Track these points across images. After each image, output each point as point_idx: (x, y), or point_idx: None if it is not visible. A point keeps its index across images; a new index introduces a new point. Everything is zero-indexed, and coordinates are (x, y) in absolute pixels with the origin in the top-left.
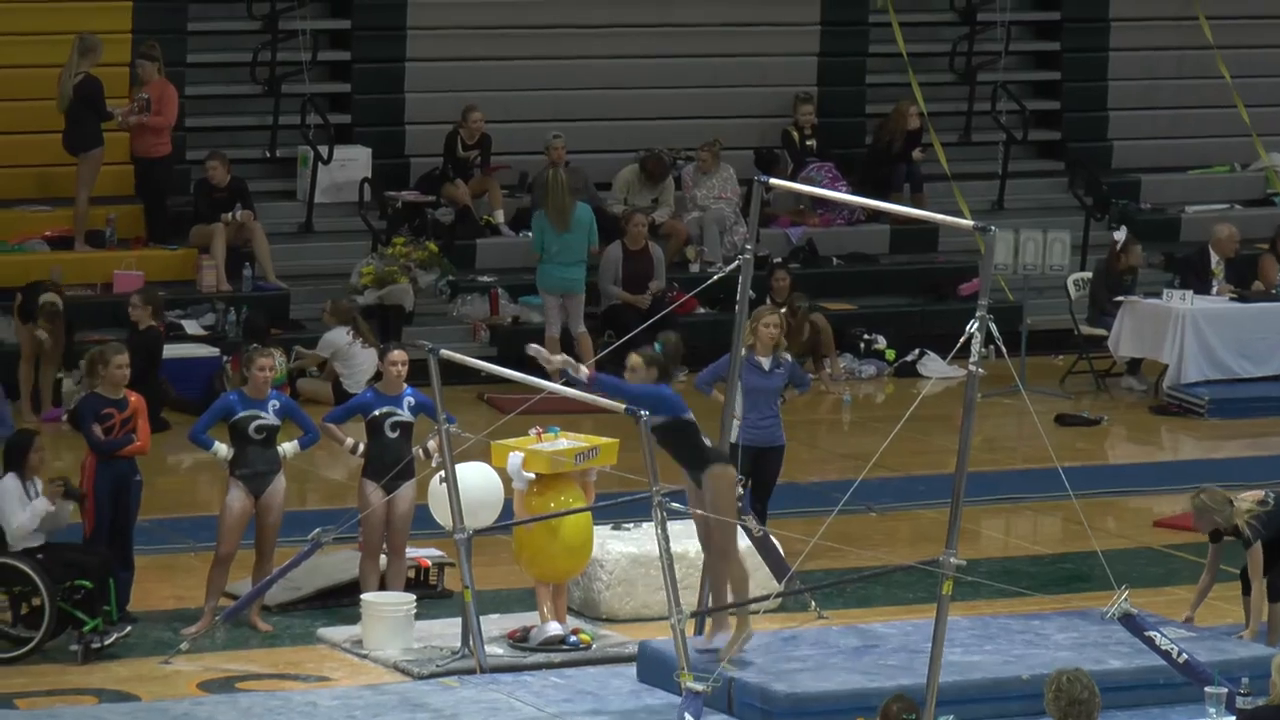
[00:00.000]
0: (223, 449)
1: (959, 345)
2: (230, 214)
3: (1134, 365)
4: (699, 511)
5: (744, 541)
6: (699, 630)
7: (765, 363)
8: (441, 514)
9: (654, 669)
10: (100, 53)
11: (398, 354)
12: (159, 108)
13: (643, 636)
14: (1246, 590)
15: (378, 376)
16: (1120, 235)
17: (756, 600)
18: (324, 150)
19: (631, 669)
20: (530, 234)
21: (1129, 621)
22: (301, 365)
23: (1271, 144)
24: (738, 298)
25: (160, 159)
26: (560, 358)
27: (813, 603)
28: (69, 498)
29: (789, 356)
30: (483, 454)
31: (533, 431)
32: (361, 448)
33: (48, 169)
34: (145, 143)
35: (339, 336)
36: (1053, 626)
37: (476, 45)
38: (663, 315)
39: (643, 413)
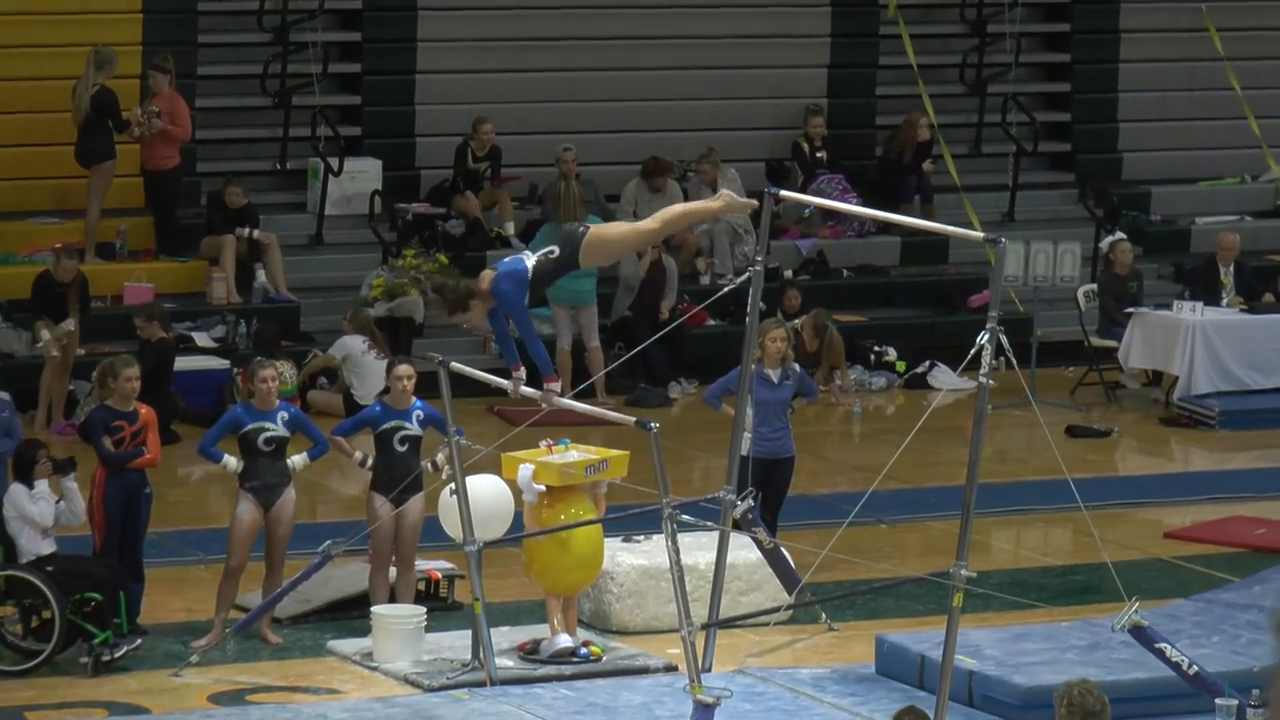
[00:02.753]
0: (232, 461)
1: (969, 357)
2: (245, 230)
3: (1157, 376)
4: None
5: (753, 554)
6: (710, 641)
7: (774, 375)
8: (452, 526)
9: (894, 662)
10: (116, 65)
11: (404, 369)
12: (173, 120)
13: (653, 649)
14: None
15: (387, 390)
16: (1105, 244)
17: (768, 612)
18: (334, 162)
19: (643, 681)
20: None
21: (1139, 634)
22: (312, 369)
23: None
24: (748, 310)
25: (169, 171)
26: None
27: (823, 614)
28: (58, 470)
29: (797, 367)
30: (493, 466)
31: (543, 444)
32: (370, 461)
33: (60, 181)
34: (155, 155)
35: (355, 343)
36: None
37: (487, 57)
38: (673, 327)
39: (653, 425)
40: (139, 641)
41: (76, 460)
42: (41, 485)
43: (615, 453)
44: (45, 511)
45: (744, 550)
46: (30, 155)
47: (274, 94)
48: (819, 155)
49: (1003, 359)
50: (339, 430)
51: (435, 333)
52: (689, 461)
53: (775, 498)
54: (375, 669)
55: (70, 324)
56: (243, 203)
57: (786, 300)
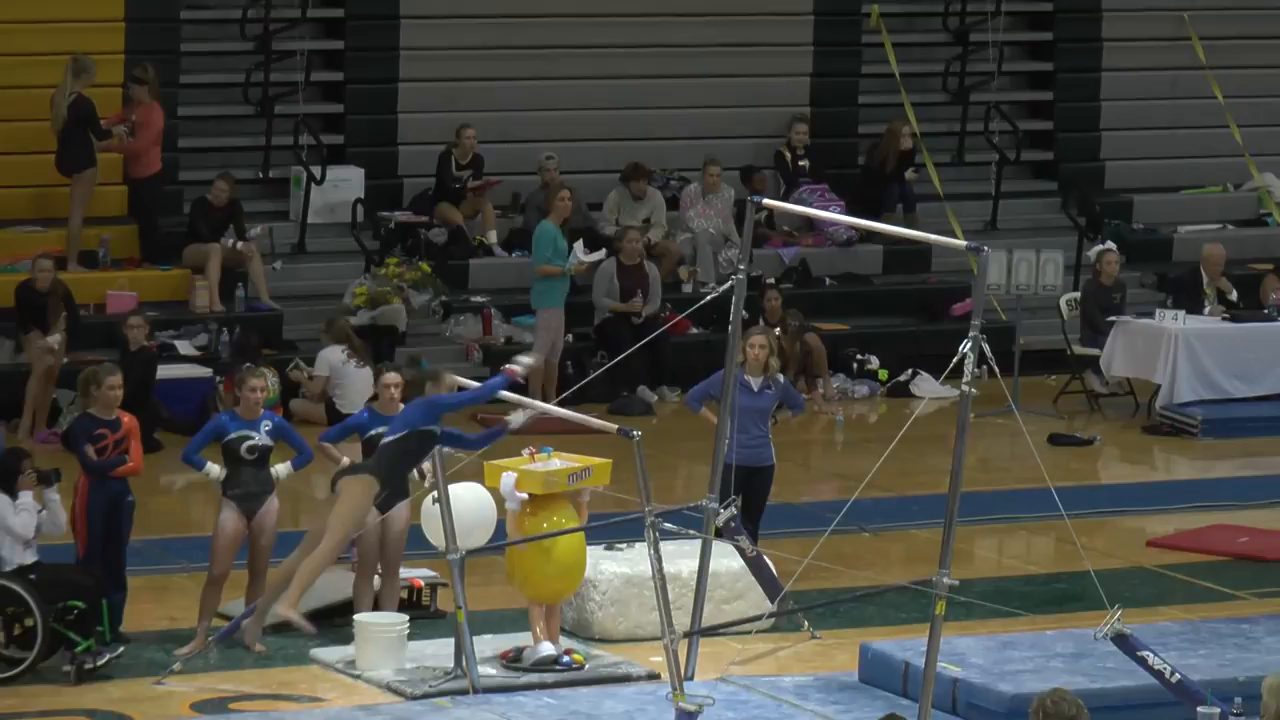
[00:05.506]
0: (215, 469)
1: (952, 365)
2: (231, 240)
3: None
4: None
5: (736, 562)
6: (692, 649)
7: (754, 383)
8: (434, 534)
9: (878, 669)
10: (93, 74)
11: (391, 376)
12: (145, 131)
13: (636, 657)
14: None
15: (375, 396)
16: (1092, 254)
17: (751, 620)
18: (317, 171)
19: (626, 689)
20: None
21: (1122, 641)
22: (301, 379)
23: (1264, 164)
24: (731, 318)
25: (150, 178)
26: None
27: (806, 623)
28: (43, 481)
29: (781, 377)
30: (476, 474)
31: (526, 451)
32: None
33: (42, 190)
34: (136, 163)
35: (334, 355)
36: (1261, 630)
37: (469, 66)
38: (656, 335)
39: (635, 432)
40: (121, 649)
41: (61, 471)
42: (25, 497)
43: (598, 460)
44: (27, 523)
45: (727, 558)
46: (12, 163)
47: (257, 102)
48: (801, 164)
49: (985, 367)
50: (326, 437)
51: (418, 341)
52: (671, 469)
53: (755, 506)
54: (358, 677)
55: (57, 338)
56: (226, 199)
57: (767, 304)
